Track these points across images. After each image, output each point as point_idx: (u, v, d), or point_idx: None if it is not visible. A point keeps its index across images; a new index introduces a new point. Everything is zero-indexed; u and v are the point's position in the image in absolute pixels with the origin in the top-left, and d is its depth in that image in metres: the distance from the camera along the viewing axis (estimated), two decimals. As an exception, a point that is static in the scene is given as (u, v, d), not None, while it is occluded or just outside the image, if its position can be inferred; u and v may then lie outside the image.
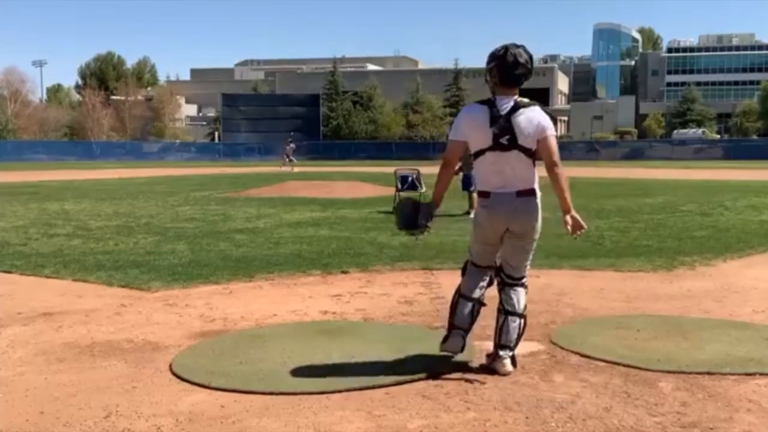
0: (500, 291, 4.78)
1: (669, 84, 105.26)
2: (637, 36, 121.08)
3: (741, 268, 8.68)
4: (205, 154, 73.17)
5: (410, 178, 16.33)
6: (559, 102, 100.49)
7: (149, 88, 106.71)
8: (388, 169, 22.32)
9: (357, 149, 71.10)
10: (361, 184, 24.31)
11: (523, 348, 4.90)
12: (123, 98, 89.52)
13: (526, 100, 4.65)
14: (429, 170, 20.89)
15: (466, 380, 4.52)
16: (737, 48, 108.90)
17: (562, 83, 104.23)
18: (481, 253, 4.80)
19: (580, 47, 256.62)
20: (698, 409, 4.02)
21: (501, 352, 4.64)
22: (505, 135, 4.49)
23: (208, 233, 12.01)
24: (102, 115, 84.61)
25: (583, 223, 4.59)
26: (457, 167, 5.32)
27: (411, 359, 4.90)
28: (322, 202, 18.06)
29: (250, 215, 15.09)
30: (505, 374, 4.55)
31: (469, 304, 4.79)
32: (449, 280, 7.84)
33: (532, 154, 4.53)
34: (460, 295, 4.84)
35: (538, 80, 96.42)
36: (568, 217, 4.55)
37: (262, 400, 4.20)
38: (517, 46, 4.61)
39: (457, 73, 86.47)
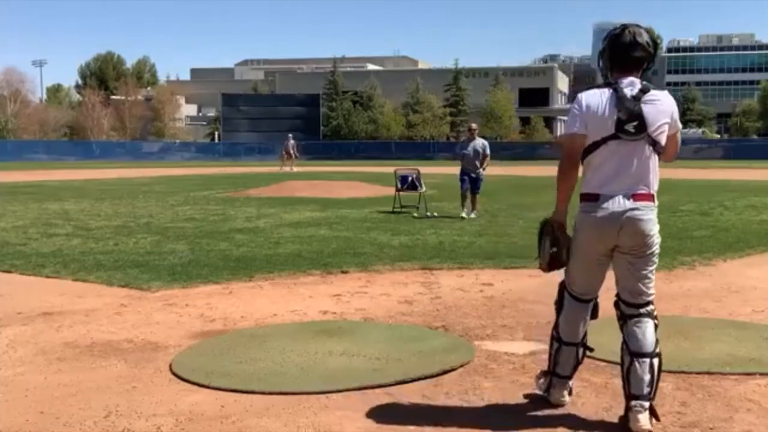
0: (622, 326, 3.89)
1: (669, 84, 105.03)
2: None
3: (741, 268, 8.69)
4: (205, 154, 73.14)
5: (410, 178, 16.33)
6: (559, 102, 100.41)
7: (149, 88, 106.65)
8: (388, 168, 22.32)
9: (357, 149, 71.07)
10: (361, 184, 24.29)
11: (523, 348, 4.89)
12: (123, 98, 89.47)
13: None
14: (429, 170, 20.96)
15: (465, 380, 4.52)
16: (737, 48, 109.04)
17: (562, 83, 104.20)
18: (585, 278, 3.92)
19: (580, 47, 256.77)
20: (698, 408, 4.02)
21: (632, 403, 3.71)
22: (632, 121, 3.72)
23: (208, 233, 12.01)
24: (102, 114, 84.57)
25: None
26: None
27: (411, 359, 4.90)
28: (322, 202, 18.05)
29: (250, 215, 15.09)
30: (635, 428, 3.66)
31: (573, 350, 4.01)
32: (449, 280, 7.86)
33: (661, 150, 3.80)
34: (562, 342, 4.01)
35: (538, 80, 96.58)
36: None
37: (262, 399, 4.20)
38: (638, 26, 3.88)
39: (457, 73, 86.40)
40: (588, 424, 3.82)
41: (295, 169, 39.93)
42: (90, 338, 5.61)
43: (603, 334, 5.54)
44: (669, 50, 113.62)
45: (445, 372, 4.66)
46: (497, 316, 6.23)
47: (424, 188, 16.24)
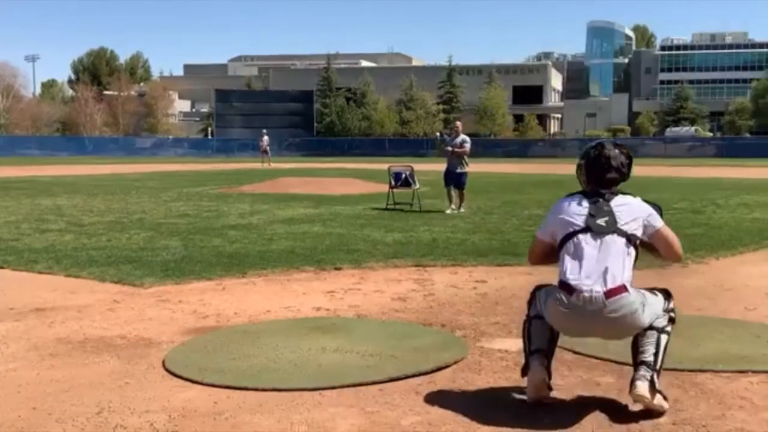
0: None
1: (662, 82, 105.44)
2: (631, 34, 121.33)
3: (733, 266, 8.71)
4: (198, 150, 73.04)
5: (404, 175, 16.33)
6: (553, 99, 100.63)
7: (142, 84, 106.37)
8: (382, 165, 22.31)
9: (350, 146, 71.04)
10: (354, 181, 24.29)
11: (516, 345, 4.89)
12: (116, 93, 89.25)
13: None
14: (422, 167, 20.92)
15: (459, 377, 4.53)
16: (730, 46, 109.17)
17: (556, 81, 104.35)
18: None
19: (573, 45, 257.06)
20: (691, 406, 4.04)
21: (635, 373, 3.89)
22: (604, 217, 3.93)
23: (201, 229, 11.99)
24: (95, 110, 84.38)
25: None
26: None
27: (404, 356, 4.90)
28: (316, 199, 18.04)
29: (244, 211, 15.07)
30: (635, 397, 3.82)
31: (545, 322, 4.06)
32: (442, 277, 7.86)
33: (634, 243, 3.94)
34: (530, 318, 4.13)
35: (532, 77, 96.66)
36: None
37: (255, 396, 4.20)
38: (616, 146, 4.16)
39: (450, 70, 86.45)
40: (581, 420, 3.82)
41: (272, 165, 40.00)
42: (83, 334, 5.60)
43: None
44: (662, 48, 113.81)
45: (439, 369, 4.66)
46: (490, 313, 6.24)
47: (417, 185, 16.23)
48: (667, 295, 4.10)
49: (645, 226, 3.99)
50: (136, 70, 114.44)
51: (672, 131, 79.33)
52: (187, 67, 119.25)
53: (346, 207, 16.06)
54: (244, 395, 4.21)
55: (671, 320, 4.02)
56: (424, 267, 8.52)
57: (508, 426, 3.77)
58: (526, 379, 4.07)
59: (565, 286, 3.84)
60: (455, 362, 4.80)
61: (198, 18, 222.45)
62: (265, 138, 43.24)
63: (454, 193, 15.19)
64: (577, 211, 3.98)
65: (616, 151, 4.11)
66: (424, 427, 3.76)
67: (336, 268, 8.40)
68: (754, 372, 4.60)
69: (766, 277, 7.95)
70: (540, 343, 4.05)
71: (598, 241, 3.88)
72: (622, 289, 3.78)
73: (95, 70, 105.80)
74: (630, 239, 3.90)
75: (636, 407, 3.90)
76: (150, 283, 7.49)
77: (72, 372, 4.69)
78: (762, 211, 15.35)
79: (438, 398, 4.15)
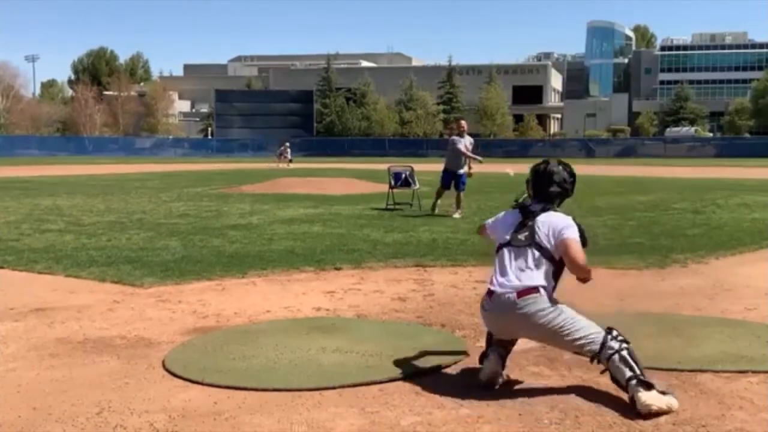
0: None
1: (662, 82, 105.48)
2: (631, 34, 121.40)
3: (733, 266, 8.71)
4: (198, 150, 73.10)
5: (403, 175, 16.34)
6: (553, 99, 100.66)
7: (142, 84, 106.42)
8: (382, 166, 22.32)
9: (350, 146, 71.08)
10: (354, 181, 24.29)
11: (516, 345, 4.89)
12: (116, 94, 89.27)
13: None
14: (422, 167, 20.92)
15: (459, 377, 4.53)
16: (730, 46, 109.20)
17: (556, 81, 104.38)
18: None
19: (573, 45, 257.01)
20: (691, 406, 4.03)
21: (629, 387, 4.02)
22: (525, 232, 4.37)
23: (201, 229, 11.99)
24: (94, 110, 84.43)
25: None
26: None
27: (404, 356, 4.89)
28: (316, 199, 18.04)
29: (244, 211, 15.07)
30: (642, 410, 3.88)
31: None
32: (442, 278, 7.86)
33: (549, 256, 4.30)
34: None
35: (532, 77, 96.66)
36: None
37: (255, 396, 4.20)
38: (561, 164, 4.58)
39: (450, 70, 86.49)
40: (580, 420, 3.82)
41: (290, 165, 41.61)
42: (82, 334, 5.60)
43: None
44: (662, 48, 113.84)
45: (439, 369, 4.66)
46: (490, 314, 6.22)
47: (417, 185, 16.24)
48: (608, 330, 4.23)
49: (555, 237, 4.30)
50: (136, 70, 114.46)
51: (672, 131, 79.39)
52: (187, 68, 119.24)
53: (346, 207, 16.06)
54: (244, 395, 4.21)
55: (623, 341, 4.17)
56: (424, 267, 8.52)
57: (509, 426, 3.77)
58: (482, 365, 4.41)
59: (488, 292, 4.36)
60: (455, 362, 4.80)
61: (198, 18, 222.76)
62: (289, 150, 46.29)
63: (450, 195, 14.65)
64: (510, 225, 4.48)
65: (560, 167, 4.55)
66: (424, 427, 3.76)
67: (336, 268, 8.39)
68: (754, 372, 4.60)
69: (766, 277, 7.95)
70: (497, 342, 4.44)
71: (518, 252, 4.34)
72: (534, 290, 4.20)
73: (95, 71, 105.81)
74: (544, 252, 4.30)
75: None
76: (150, 283, 7.49)
77: (72, 372, 4.68)
78: (762, 211, 15.35)
79: (438, 398, 4.15)
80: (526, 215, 4.42)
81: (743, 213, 14.91)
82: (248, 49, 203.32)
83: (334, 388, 4.29)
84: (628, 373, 4.02)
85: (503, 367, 4.39)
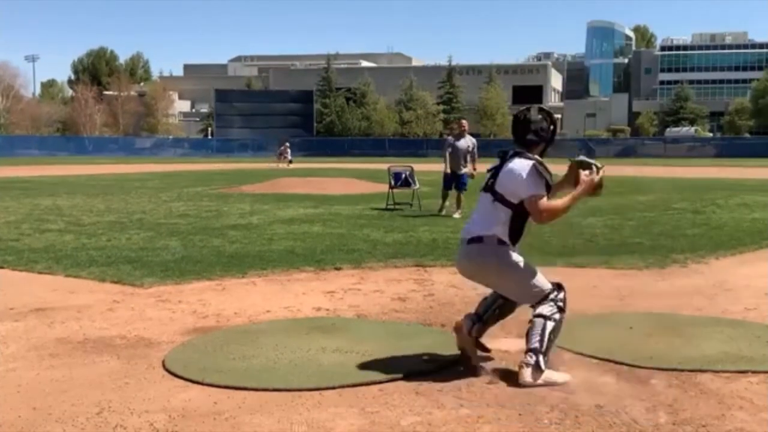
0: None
1: (662, 82, 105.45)
2: (631, 34, 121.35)
3: (733, 266, 8.71)
4: (198, 150, 73.10)
5: (404, 175, 16.34)
6: (553, 99, 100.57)
7: (142, 84, 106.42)
8: (382, 165, 22.32)
9: (350, 146, 71.09)
10: (354, 181, 24.30)
11: (515, 345, 4.89)
12: (116, 94, 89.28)
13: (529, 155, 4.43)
14: (422, 167, 20.91)
15: (459, 377, 4.52)
16: (730, 46, 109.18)
17: (556, 81, 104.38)
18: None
19: (573, 45, 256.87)
20: (691, 406, 4.03)
21: (522, 358, 4.39)
22: (492, 177, 4.50)
23: (201, 229, 11.99)
24: (94, 110, 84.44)
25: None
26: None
27: (404, 356, 4.89)
28: (316, 199, 18.04)
29: (244, 211, 15.07)
30: (521, 382, 4.27)
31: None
32: (442, 277, 7.85)
33: (507, 203, 4.36)
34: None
35: (532, 77, 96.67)
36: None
37: (255, 396, 4.20)
38: (541, 111, 4.61)
39: (450, 71, 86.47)
40: (580, 420, 3.82)
41: (290, 166, 41.67)
42: (82, 334, 5.59)
43: (595, 333, 5.57)
44: (662, 48, 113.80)
45: (439, 369, 4.65)
46: (490, 314, 6.22)
47: (417, 185, 16.24)
48: (558, 287, 4.47)
49: (512, 183, 4.35)
50: (136, 70, 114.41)
51: (672, 131, 79.39)
52: (187, 68, 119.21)
53: (346, 207, 16.06)
54: (244, 395, 4.21)
55: (560, 309, 4.40)
56: (424, 267, 8.52)
57: (509, 426, 3.77)
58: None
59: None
60: (455, 362, 4.79)
61: (198, 18, 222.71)
62: (288, 151, 46.43)
63: (452, 195, 14.62)
64: (489, 170, 4.60)
65: (539, 116, 4.55)
66: (424, 427, 3.76)
67: (336, 268, 8.39)
68: (754, 372, 4.60)
69: (766, 277, 7.95)
70: (478, 307, 4.79)
71: (483, 198, 4.52)
72: (477, 239, 4.42)
73: (95, 71, 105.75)
74: (500, 197, 4.38)
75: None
76: (150, 283, 7.49)
77: (72, 372, 4.68)
78: (762, 211, 15.36)
79: (438, 398, 4.15)
80: (503, 162, 4.49)
81: (743, 213, 14.91)
82: (248, 49, 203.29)
83: (334, 388, 4.29)
84: (535, 344, 4.28)
85: (475, 332, 4.67)
